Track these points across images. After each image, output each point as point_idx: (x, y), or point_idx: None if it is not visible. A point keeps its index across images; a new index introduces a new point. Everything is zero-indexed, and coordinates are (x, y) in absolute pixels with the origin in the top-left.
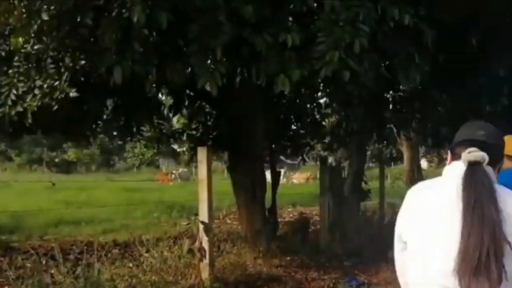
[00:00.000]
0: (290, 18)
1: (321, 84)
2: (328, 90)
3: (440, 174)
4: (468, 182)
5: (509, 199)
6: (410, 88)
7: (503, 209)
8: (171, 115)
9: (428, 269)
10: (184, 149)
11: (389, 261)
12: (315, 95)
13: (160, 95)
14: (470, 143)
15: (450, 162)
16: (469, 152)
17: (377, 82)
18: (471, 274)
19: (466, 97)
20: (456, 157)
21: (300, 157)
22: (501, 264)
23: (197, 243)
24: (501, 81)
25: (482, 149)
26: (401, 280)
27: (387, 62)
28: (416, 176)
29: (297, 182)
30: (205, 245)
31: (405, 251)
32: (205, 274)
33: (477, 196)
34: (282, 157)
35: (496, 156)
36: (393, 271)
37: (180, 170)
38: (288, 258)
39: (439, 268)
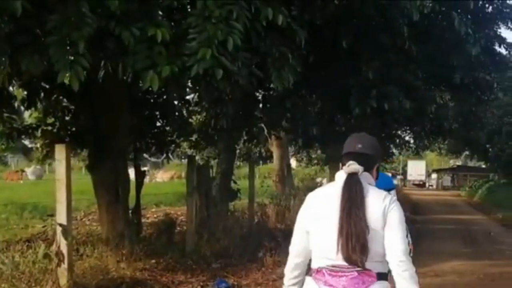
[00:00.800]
0: (161, 13)
1: (189, 81)
2: (198, 87)
3: (309, 174)
4: (345, 188)
5: (375, 200)
6: (282, 88)
7: (369, 208)
8: (23, 108)
9: (322, 248)
10: (38, 145)
11: (259, 261)
12: (184, 92)
13: (11, 87)
14: (351, 156)
15: (340, 170)
16: (348, 166)
17: (249, 81)
18: (346, 252)
19: (336, 98)
20: (343, 166)
21: (164, 155)
22: (364, 246)
23: (54, 247)
24: (370, 83)
25: (360, 161)
26: (295, 260)
27: (260, 61)
28: (285, 175)
29: (161, 180)
30: (63, 249)
31: (305, 238)
32: (63, 280)
33: (349, 199)
34: (145, 155)
35: (372, 163)
36: (264, 272)
37: (32, 167)
38: (153, 261)
39: (328, 248)
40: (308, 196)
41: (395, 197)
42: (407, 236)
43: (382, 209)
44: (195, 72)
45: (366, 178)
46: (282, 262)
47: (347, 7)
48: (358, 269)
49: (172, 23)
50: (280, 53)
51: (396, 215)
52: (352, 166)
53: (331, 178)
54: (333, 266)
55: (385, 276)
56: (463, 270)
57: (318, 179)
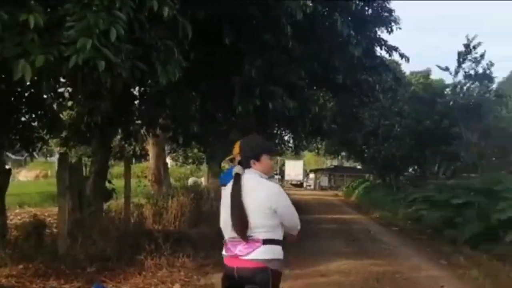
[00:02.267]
0: None
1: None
2: (74, 79)
3: (184, 173)
4: (232, 184)
5: (260, 188)
6: (167, 83)
7: (254, 194)
8: None
9: (224, 226)
10: None
11: (139, 265)
12: (58, 84)
13: None
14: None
15: None
16: (234, 167)
17: (132, 74)
18: (234, 228)
19: (218, 96)
20: None
21: (27, 153)
22: (244, 223)
23: None
24: (253, 82)
25: (242, 163)
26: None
27: (144, 54)
28: (162, 174)
29: (25, 179)
30: None
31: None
32: None
33: (233, 191)
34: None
35: (248, 162)
36: (145, 276)
37: None
38: (21, 266)
39: (227, 226)
40: (223, 187)
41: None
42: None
43: (265, 194)
44: (74, 63)
45: (255, 173)
46: (164, 265)
47: (230, 4)
48: (239, 238)
49: (48, 9)
50: (166, 46)
51: (280, 198)
52: (236, 168)
53: (210, 178)
54: (231, 237)
55: (271, 241)
56: (348, 269)
57: (200, 180)
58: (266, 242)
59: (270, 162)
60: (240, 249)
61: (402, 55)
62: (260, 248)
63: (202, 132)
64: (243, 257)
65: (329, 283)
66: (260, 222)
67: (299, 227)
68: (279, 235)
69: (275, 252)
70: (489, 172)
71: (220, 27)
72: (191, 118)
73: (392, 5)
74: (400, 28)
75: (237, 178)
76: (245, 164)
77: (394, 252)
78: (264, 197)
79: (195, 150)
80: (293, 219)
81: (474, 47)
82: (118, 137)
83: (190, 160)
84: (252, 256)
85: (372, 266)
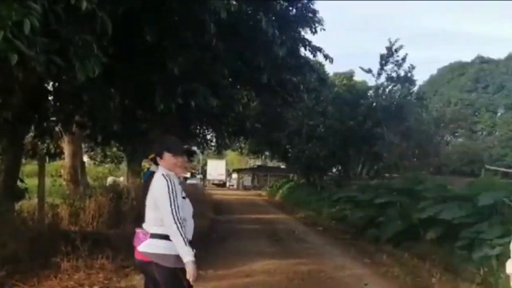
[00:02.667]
0: None
1: None
2: None
3: (102, 172)
4: (143, 181)
5: (154, 183)
6: (85, 79)
7: (152, 189)
8: None
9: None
10: None
11: (54, 267)
12: None
13: None
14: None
15: None
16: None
17: (48, 69)
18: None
19: (139, 93)
20: None
21: None
22: (140, 216)
23: None
24: (176, 79)
25: (155, 160)
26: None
27: (61, 48)
28: (79, 173)
29: None
30: None
31: None
32: None
33: (142, 188)
34: None
35: (157, 159)
36: (61, 279)
37: None
38: None
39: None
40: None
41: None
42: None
43: (154, 188)
44: None
45: (160, 170)
46: (81, 268)
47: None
48: (142, 230)
49: None
50: (84, 41)
51: (160, 192)
52: (151, 167)
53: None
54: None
55: (158, 235)
56: (273, 269)
57: (120, 179)
58: (153, 236)
59: (173, 160)
60: (136, 240)
61: (326, 56)
62: (147, 241)
63: (122, 130)
64: (137, 248)
65: (253, 283)
66: (149, 215)
67: (173, 228)
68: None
69: (159, 246)
70: (411, 172)
71: (141, 23)
72: (110, 116)
73: (316, 6)
74: (324, 29)
75: (150, 175)
76: (155, 162)
77: (319, 252)
78: (153, 191)
79: (114, 149)
80: (166, 216)
81: (396, 50)
82: (31, 134)
83: (109, 159)
84: (140, 248)
85: (297, 266)
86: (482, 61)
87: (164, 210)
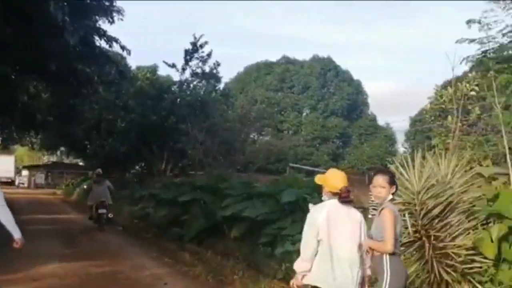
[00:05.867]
0: None
1: None
2: None
3: None
4: None
5: None
6: None
7: None
8: None
9: None
10: None
11: None
12: None
13: None
14: None
15: None
16: None
17: None
18: None
19: None
20: None
21: None
22: None
23: None
24: None
25: None
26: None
27: None
28: None
29: None
30: None
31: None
32: None
33: None
34: None
35: None
36: None
37: None
38: None
39: None
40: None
41: None
42: None
43: None
44: None
45: None
46: None
47: None
48: None
49: None
50: None
51: None
52: None
53: None
54: None
55: None
56: (64, 272)
57: None
58: None
59: None
60: None
61: (123, 47)
62: None
63: None
64: None
65: (41, 287)
66: None
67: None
68: None
69: None
70: (216, 170)
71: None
72: None
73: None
74: (122, 19)
75: None
76: None
77: (118, 252)
78: None
79: None
80: None
81: (201, 46)
82: None
83: None
84: None
85: (91, 268)
86: (287, 61)
87: None
